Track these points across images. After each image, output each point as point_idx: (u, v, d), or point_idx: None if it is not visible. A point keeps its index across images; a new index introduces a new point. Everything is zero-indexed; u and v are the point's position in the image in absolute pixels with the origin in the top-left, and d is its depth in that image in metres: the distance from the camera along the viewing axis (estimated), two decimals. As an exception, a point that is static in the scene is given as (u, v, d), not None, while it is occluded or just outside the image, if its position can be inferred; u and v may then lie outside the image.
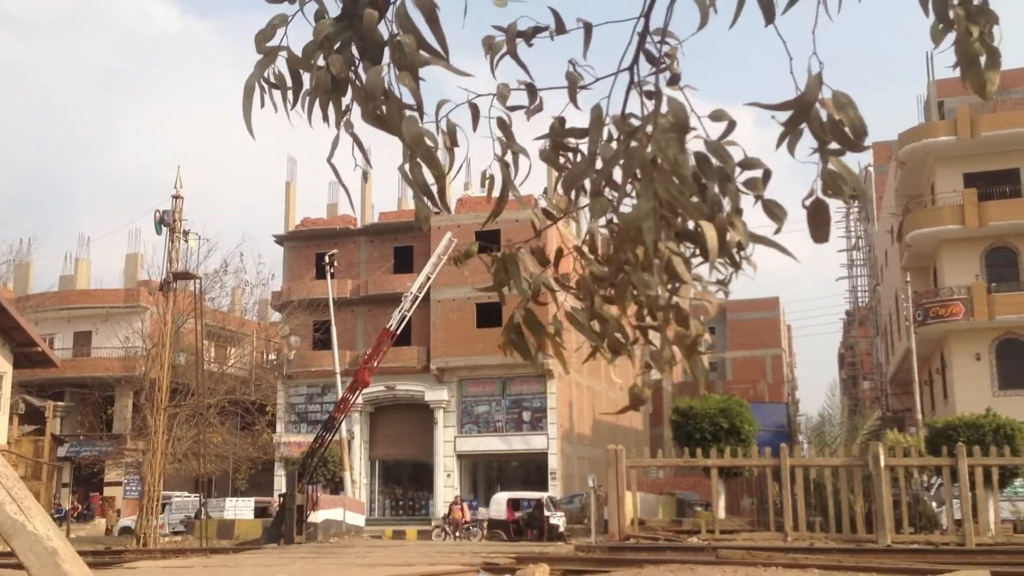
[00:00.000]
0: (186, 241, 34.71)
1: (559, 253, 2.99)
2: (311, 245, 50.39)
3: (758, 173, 2.63)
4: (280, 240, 51.70)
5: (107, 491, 50.81)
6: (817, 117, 2.52)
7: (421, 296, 36.27)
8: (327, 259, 46.49)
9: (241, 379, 49.11)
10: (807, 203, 2.59)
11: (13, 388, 37.87)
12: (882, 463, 24.31)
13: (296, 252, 51.01)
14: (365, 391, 36.42)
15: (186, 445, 39.89)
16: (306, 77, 2.61)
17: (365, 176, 2.78)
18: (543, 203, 3.09)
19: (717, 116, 2.63)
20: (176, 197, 34.16)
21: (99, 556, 24.88)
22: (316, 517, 32.26)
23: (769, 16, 2.59)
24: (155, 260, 50.11)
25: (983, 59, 2.48)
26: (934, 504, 26.96)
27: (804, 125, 2.56)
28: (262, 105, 2.61)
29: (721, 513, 27.94)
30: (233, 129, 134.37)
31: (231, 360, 52.23)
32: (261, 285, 53.50)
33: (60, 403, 49.71)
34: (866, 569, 16.13)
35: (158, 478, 33.84)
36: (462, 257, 3.23)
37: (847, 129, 2.51)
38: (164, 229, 34.24)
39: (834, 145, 2.54)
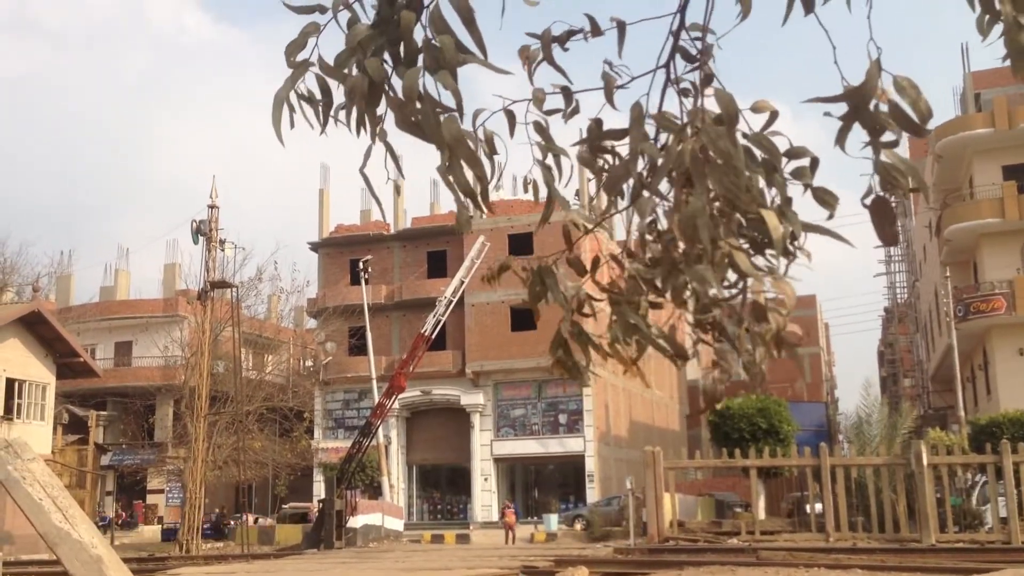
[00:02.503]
0: (222, 250, 35.09)
1: (595, 262, 2.95)
2: (345, 252, 50.72)
3: (805, 162, 2.57)
4: (314, 247, 52.12)
5: (150, 498, 51.44)
6: (871, 109, 2.44)
7: (455, 300, 36.37)
8: (361, 265, 46.80)
9: (279, 386, 49.56)
10: (867, 201, 2.48)
11: (57, 398, 38.52)
12: (925, 461, 23.98)
13: (330, 259, 51.37)
14: (401, 396, 36.57)
15: (226, 452, 40.32)
16: (339, 91, 2.60)
17: (398, 189, 2.77)
18: (575, 205, 3.05)
19: (758, 108, 2.58)
20: (212, 207, 34.55)
21: (143, 563, 25.20)
22: (355, 522, 32.42)
23: (808, 5, 2.56)
24: (192, 269, 50.64)
25: None
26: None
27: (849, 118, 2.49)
28: (292, 126, 2.60)
29: (761, 514, 27.70)
30: (267, 139, 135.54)
31: (268, 367, 52.69)
32: (296, 292, 54.06)
33: (102, 412, 50.47)
34: (910, 569, 15.91)
35: (199, 485, 34.22)
36: (496, 274, 3.21)
37: (911, 113, 2.42)
38: (201, 239, 34.64)
39: (886, 137, 2.45)
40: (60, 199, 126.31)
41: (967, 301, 38.05)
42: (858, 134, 2.50)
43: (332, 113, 2.62)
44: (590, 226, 2.94)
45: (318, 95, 2.61)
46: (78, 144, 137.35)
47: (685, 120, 2.65)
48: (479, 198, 2.58)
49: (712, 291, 2.63)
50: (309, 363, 53.34)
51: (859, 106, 2.45)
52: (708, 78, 2.67)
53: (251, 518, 39.88)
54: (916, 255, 56.41)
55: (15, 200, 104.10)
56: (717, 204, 2.56)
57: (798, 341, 2.72)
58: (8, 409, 34.44)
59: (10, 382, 34.55)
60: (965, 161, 39.84)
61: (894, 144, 2.47)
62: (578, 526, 36.92)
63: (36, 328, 35.47)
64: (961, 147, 39.06)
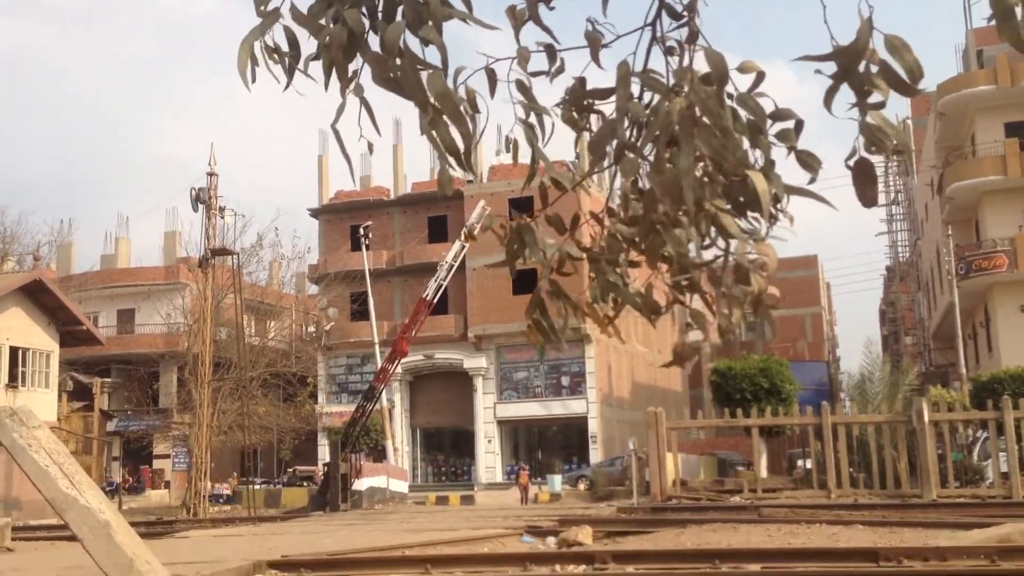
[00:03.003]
0: (222, 217, 35.10)
1: (575, 219, 2.93)
2: (345, 218, 50.66)
3: (790, 124, 2.54)
4: (315, 213, 52.03)
5: (156, 463, 51.87)
6: (860, 69, 2.40)
7: (456, 265, 36.39)
8: (362, 231, 46.77)
9: (281, 352, 49.76)
10: (850, 163, 2.45)
11: (61, 366, 38.68)
12: (926, 418, 24.10)
13: (331, 225, 51.32)
14: (404, 360, 36.71)
15: (231, 417, 40.57)
16: (308, 44, 2.53)
17: (371, 148, 2.72)
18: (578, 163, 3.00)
19: (745, 68, 2.54)
20: (211, 174, 34.48)
21: (151, 527, 25.46)
22: (360, 485, 32.70)
23: None
24: (192, 237, 50.60)
25: (1019, 11, 2.31)
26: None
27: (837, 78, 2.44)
28: (254, 79, 2.53)
29: (763, 472, 27.90)
30: (267, 111, 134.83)
31: (271, 333, 52.87)
32: (297, 258, 54.07)
33: (107, 379, 50.69)
34: (912, 524, 16.03)
35: (205, 450, 34.52)
36: (471, 234, 3.18)
37: (902, 73, 2.38)
38: (200, 206, 34.62)
39: (874, 98, 2.42)
40: (57, 179, 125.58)
41: (969, 259, 38.02)
42: (846, 95, 2.46)
43: (302, 65, 2.55)
44: (573, 185, 2.91)
45: (287, 48, 2.55)
46: (76, 125, 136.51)
47: (671, 79, 2.61)
48: (463, 157, 2.52)
49: (691, 254, 2.61)
50: (311, 329, 53.50)
51: (849, 66, 2.40)
52: (693, 35, 2.63)
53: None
54: (918, 213, 56.25)
55: (13, 180, 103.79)
56: (702, 165, 2.54)
57: (776, 304, 2.71)
58: (12, 377, 34.61)
59: (13, 350, 34.68)
60: (967, 118, 39.59)
61: (880, 105, 2.43)
62: (582, 486, 37.23)
63: (38, 297, 35.53)
64: (963, 104, 38.79)
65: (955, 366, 40.50)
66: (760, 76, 2.53)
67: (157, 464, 51.85)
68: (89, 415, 46.66)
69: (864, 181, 2.48)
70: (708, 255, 2.71)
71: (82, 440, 43.82)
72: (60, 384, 39.55)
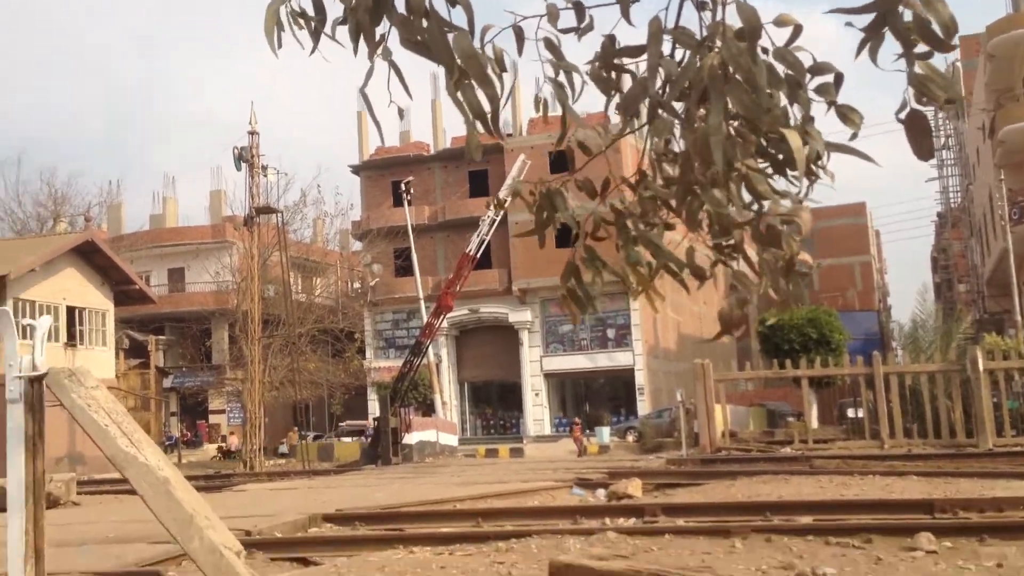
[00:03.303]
0: (265, 176, 35.35)
1: (606, 183, 2.87)
2: (386, 174, 50.74)
3: (830, 78, 2.46)
4: (356, 170, 52.14)
5: (212, 418, 53.00)
6: (900, 19, 2.31)
7: (499, 219, 36.28)
8: (403, 187, 46.83)
9: (328, 308, 50.28)
10: (902, 116, 2.37)
11: (116, 324, 39.51)
12: (981, 367, 23.71)
13: (372, 181, 51.43)
14: (449, 315, 36.91)
15: (282, 373, 41.22)
16: (333, 8, 2.49)
17: (401, 113, 2.69)
18: (616, 119, 2.94)
19: (781, 21, 2.45)
20: (252, 133, 34.66)
21: (210, 480, 26.07)
22: (410, 439, 33.10)
23: None
24: (237, 196, 51.15)
25: None
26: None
27: (886, 29, 2.34)
28: (280, 45, 2.50)
29: (813, 423, 27.72)
30: (303, 63, 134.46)
31: (317, 290, 53.39)
32: (340, 215, 54.38)
33: (161, 337, 51.72)
34: (967, 474, 15.83)
35: (258, 405, 35.18)
36: (501, 202, 3.15)
37: (936, 28, 2.29)
38: (243, 165, 34.90)
39: (920, 48, 2.33)
40: (104, 139, 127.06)
41: (1022, 203, 37.08)
42: (890, 45, 2.38)
43: (329, 29, 2.52)
44: (601, 149, 2.84)
45: (312, 12, 2.52)
46: (120, 85, 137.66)
47: (703, 35, 2.53)
48: (490, 120, 2.47)
49: (725, 212, 2.55)
50: (357, 285, 53.94)
51: (887, 14, 2.32)
52: None
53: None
54: (969, 158, 54.83)
55: (58, 141, 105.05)
56: (735, 124, 2.46)
57: (808, 271, 2.64)
58: (71, 336, 35.42)
59: (71, 310, 35.43)
60: (1018, 60, 38.30)
61: (928, 55, 2.35)
62: (630, 438, 37.34)
63: (91, 257, 36.19)
64: (1013, 45, 37.52)
65: (1010, 313, 39.69)
66: (797, 30, 2.45)
67: (213, 419, 52.99)
68: (146, 372, 47.71)
69: (918, 133, 2.41)
70: (749, 215, 2.64)
71: (140, 397, 44.85)
72: (116, 342, 40.42)
